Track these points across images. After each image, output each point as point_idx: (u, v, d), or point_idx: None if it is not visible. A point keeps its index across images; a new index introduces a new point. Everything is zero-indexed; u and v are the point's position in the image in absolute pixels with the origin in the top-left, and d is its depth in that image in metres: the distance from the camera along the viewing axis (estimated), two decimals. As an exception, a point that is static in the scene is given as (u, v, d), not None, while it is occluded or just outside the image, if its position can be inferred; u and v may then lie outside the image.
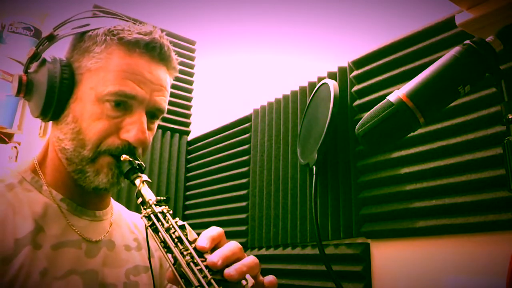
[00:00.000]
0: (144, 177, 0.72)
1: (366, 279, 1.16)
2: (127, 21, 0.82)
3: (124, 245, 0.86)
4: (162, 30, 0.80)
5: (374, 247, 1.19)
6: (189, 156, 2.05)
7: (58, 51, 0.80)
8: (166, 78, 0.81)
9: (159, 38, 0.79)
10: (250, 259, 0.62)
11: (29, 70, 0.80)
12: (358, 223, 1.21)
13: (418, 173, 1.09)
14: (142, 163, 0.75)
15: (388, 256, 1.15)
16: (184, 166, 2.03)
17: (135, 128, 0.75)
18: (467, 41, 0.64)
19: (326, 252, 1.19)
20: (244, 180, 1.67)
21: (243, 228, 1.61)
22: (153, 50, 0.78)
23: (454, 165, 1.02)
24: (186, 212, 1.96)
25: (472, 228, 0.97)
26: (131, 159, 0.73)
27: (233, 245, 0.63)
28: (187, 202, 1.98)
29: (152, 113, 0.79)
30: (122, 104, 0.75)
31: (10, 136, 2.30)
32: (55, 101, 0.74)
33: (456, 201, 1.00)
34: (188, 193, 1.99)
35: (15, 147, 2.28)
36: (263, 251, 1.51)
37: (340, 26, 1.58)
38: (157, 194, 0.69)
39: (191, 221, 1.87)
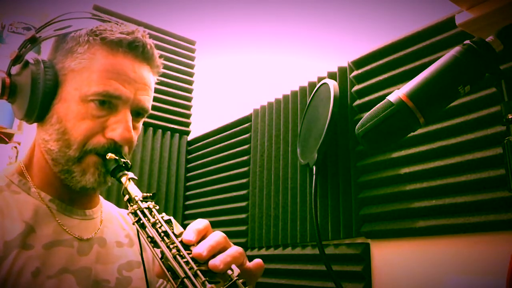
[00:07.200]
0: (130, 174, 0.73)
1: (366, 279, 1.16)
2: (109, 21, 0.82)
3: (116, 241, 0.85)
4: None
5: (374, 247, 1.19)
6: (189, 156, 2.05)
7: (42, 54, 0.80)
8: (150, 77, 0.81)
9: (141, 37, 0.78)
10: (234, 249, 0.63)
11: (12, 72, 0.79)
12: (358, 223, 1.21)
13: (418, 173, 1.09)
14: (128, 161, 0.75)
15: (388, 256, 1.15)
16: (184, 166, 2.03)
17: (120, 127, 0.75)
18: (467, 41, 0.64)
19: (326, 252, 1.19)
20: (244, 180, 1.67)
21: (243, 228, 1.61)
22: (136, 49, 0.77)
23: (454, 165, 1.02)
24: (186, 212, 1.96)
25: (472, 228, 0.97)
26: (116, 158, 0.74)
27: (217, 236, 0.64)
28: (187, 202, 1.98)
29: (137, 112, 0.79)
30: (107, 103, 0.75)
31: (10, 136, 2.30)
32: (39, 102, 0.74)
33: (456, 201, 1.00)
34: (188, 193, 1.99)
35: (15, 147, 2.28)
36: (263, 251, 1.51)
37: (340, 26, 1.58)
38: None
39: (191, 221, 1.87)
